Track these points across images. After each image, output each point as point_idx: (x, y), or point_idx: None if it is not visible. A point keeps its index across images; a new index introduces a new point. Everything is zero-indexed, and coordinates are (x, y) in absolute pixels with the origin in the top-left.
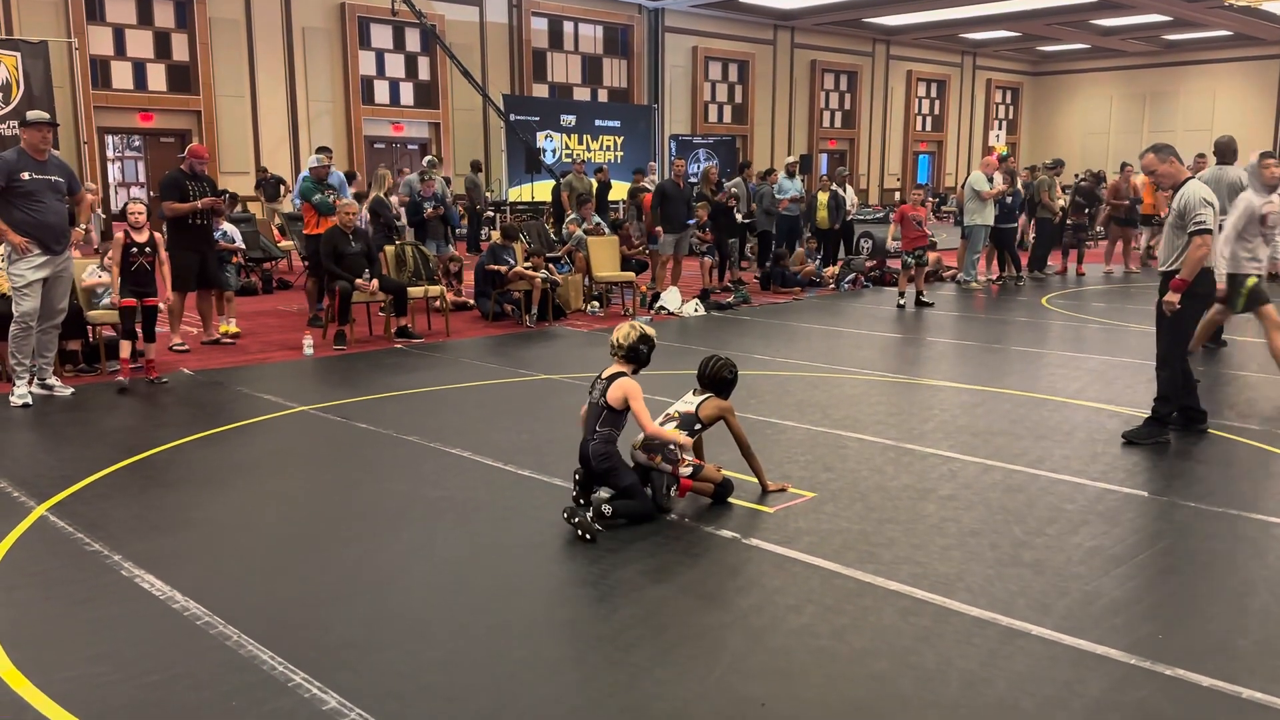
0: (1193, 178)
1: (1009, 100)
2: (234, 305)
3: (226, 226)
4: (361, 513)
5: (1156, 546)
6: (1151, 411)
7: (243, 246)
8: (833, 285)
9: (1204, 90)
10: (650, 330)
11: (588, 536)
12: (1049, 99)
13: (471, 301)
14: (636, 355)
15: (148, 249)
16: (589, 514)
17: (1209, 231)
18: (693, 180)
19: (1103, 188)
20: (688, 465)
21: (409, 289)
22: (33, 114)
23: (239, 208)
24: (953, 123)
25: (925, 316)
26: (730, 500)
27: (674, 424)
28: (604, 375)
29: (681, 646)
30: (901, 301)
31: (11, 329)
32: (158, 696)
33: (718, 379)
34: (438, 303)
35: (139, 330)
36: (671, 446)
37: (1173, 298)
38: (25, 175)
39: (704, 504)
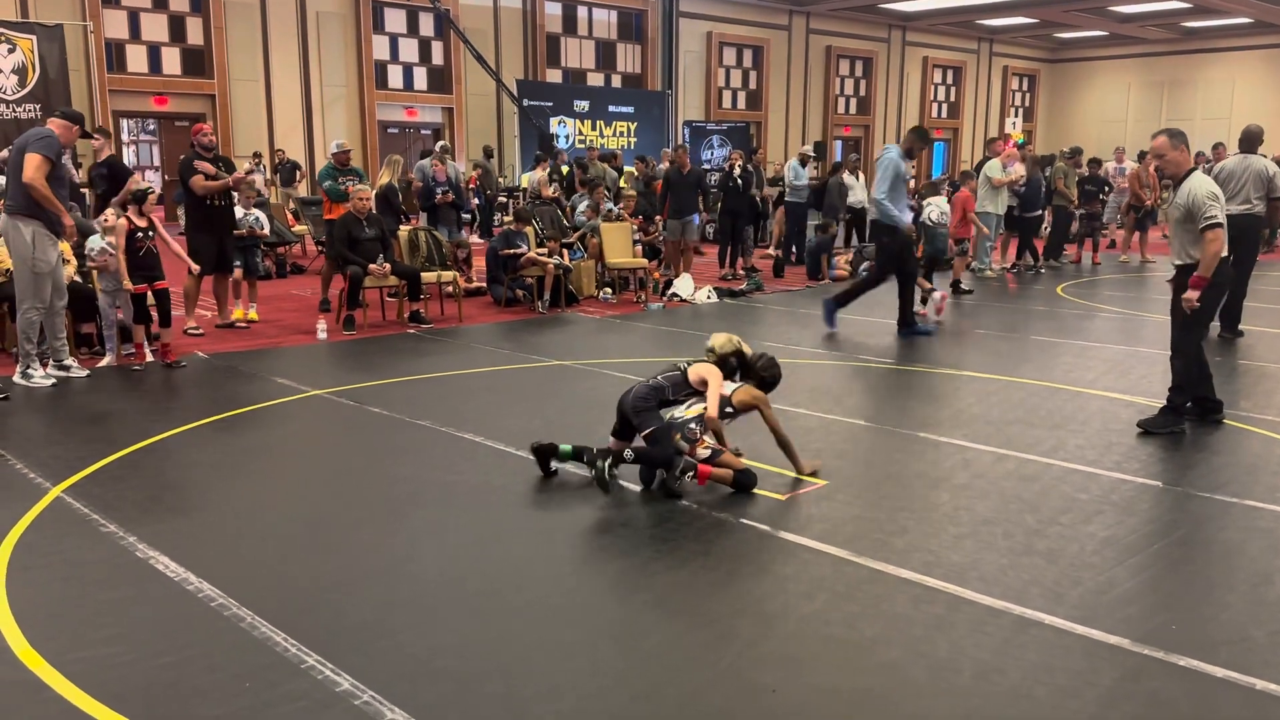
0: (1196, 169)
1: (1026, 87)
2: (257, 291)
3: (257, 212)
4: (374, 497)
5: (1171, 537)
6: (1167, 401)
7: (267, 233)
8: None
9: (1223, 78)
10: (747, 349)
11: (607, 480)
12: (1066, 86)
13: (485, 285)
14: (725, 364)
15: (150, 232)
16: (608, 462)
17: (1221, 225)
18: (707, 168)
19: (1112, 174)
20: (705, 448)
21: (422, 274)
22: (74, 111)
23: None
24: (969, 110)
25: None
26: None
27: (702, 404)
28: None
29: (693, 633)
30: (965, 286)
31: (30, 314)
32: (171, 677)
33: (765, 378)
34: (450, 288)
35: (153, 314)
36: (691, 425)
37: (1192, 295)
38: (64, 159)
39: (719, 491)
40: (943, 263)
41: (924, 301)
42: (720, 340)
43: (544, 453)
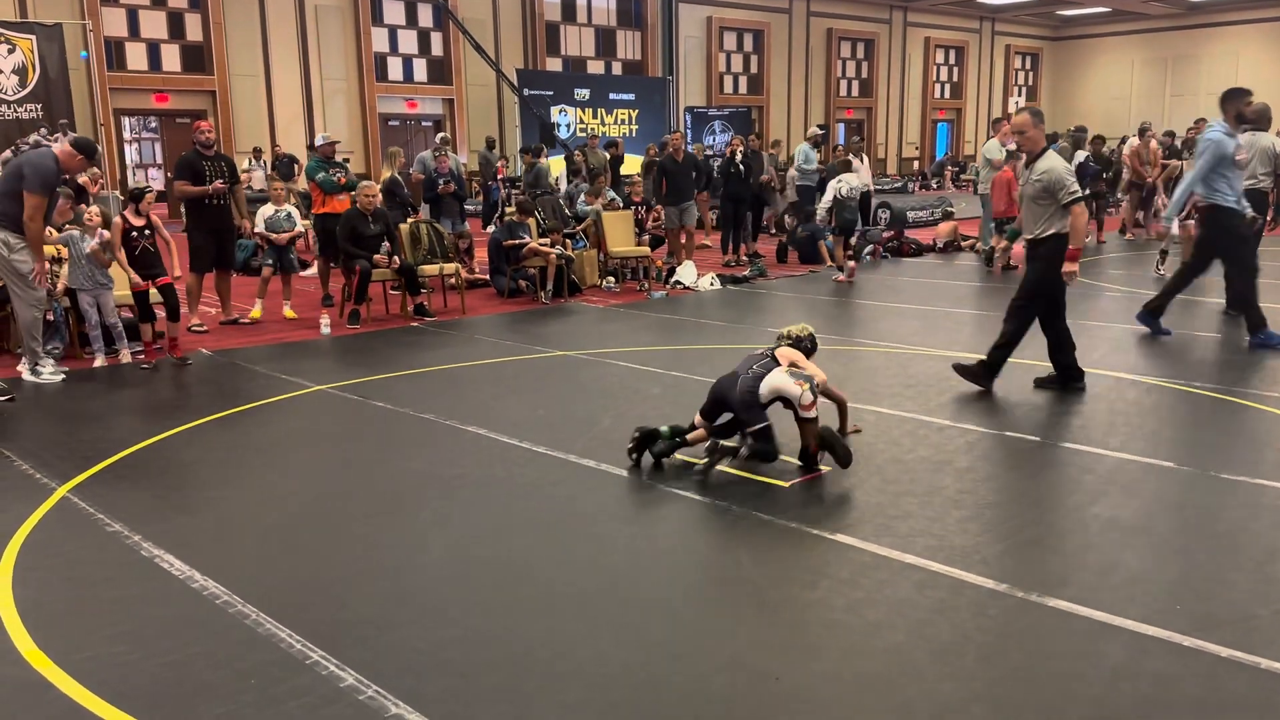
0: (1049, 148)
1: (1028, 66)
2: (291, 288)
3: (289, 208)
4: (378, 491)
5: (1175, 516)
6: (1055, 365)
7: (301, 231)
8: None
9: (1227, 53)
10: (815, 336)
11: (708, 473)
12: (1069, 64)
13: (486, 278)
14: (800, 345)
15: (147, 231)
16: (717, 455)
17: (1082, 199)
18: (709, 155)
19: (1114, 153)
20: (813, 410)
21: (424, 266)
22: (87, 143)
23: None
24: (971, 90)
25: (943, 287)
26: (745, 474)
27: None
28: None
29: (696, 621)
30: (1014, 264)
31: (33, 311)
32: (177, 675)
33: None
34: (453, 280)
35: (158, 311)
36: (817, 382)
37: (1073, 267)
38: (56, 190)
39: (720, 479)
40: (853, 234)
41: (841, 269)
42: (797, 326)
43: (644, 441)
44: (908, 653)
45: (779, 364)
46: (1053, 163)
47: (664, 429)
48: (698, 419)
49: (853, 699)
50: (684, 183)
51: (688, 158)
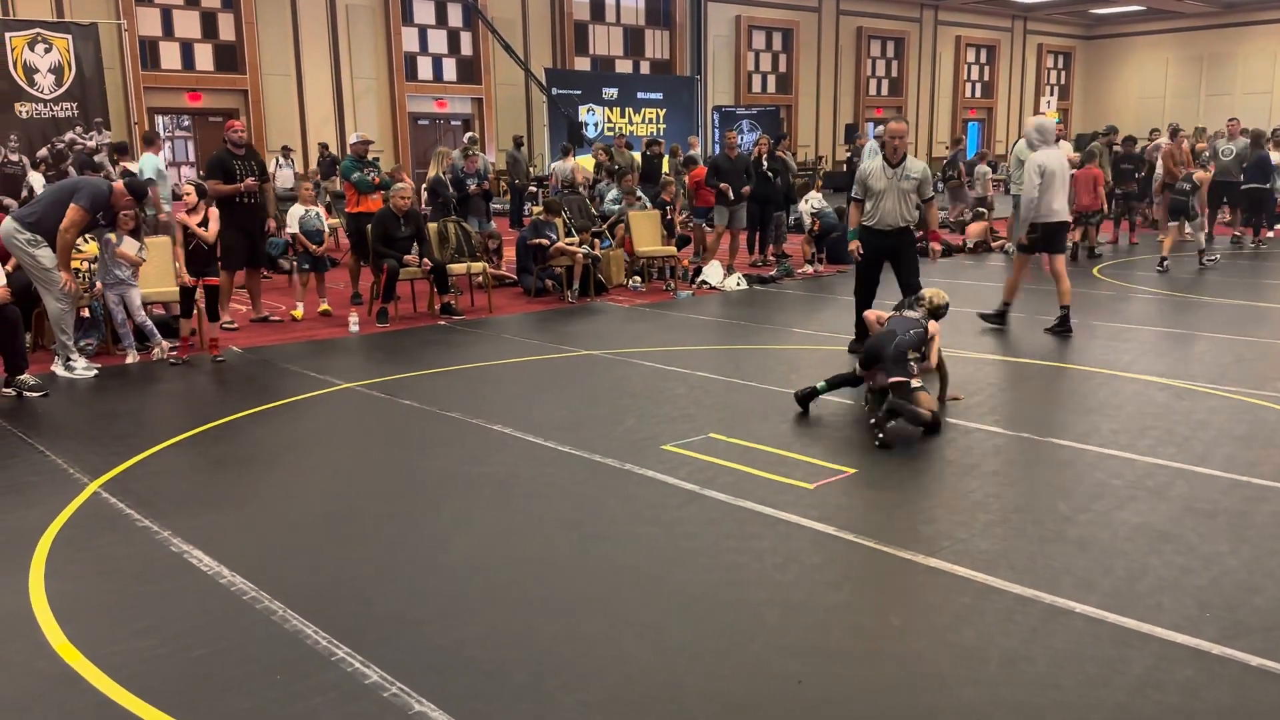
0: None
1: (1061, 65)
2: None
3: (318, 208)
4: (404, 488)
5: (1205, 522)
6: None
7: (326, 230)
8: None
9: (1264, 51)
10: (949, 304)
11: (884, 440)
12: (1102, 63)
13: (512, 277)
14: (938, 316)
15: (203, 228)
16: (878, 428)
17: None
18: (744, 151)
19: (1147, 150)
20: (919, 381)
21: (451, 266)
22: (141, 188)
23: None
24: (1003, 89)
25: (970, 288)
26: (770, 475)
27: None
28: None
29: (718, 623)
30: (1098, 253)
31: (61, 304)
32: (204, 670)
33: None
34: (480, 279)
35: (200, 308)
36: (932, 363)
37: (936, 243)
38: (100, 216)
39: (746, 481)
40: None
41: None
42: (935, 295)
43: (805, 399)
44: (931, 658)
45: (930, 337)
46: (924, 164)
47: (821, 384)
48: (859, 370)
49: (875, 703)
50: (737, 181)
51: (740, 157)
